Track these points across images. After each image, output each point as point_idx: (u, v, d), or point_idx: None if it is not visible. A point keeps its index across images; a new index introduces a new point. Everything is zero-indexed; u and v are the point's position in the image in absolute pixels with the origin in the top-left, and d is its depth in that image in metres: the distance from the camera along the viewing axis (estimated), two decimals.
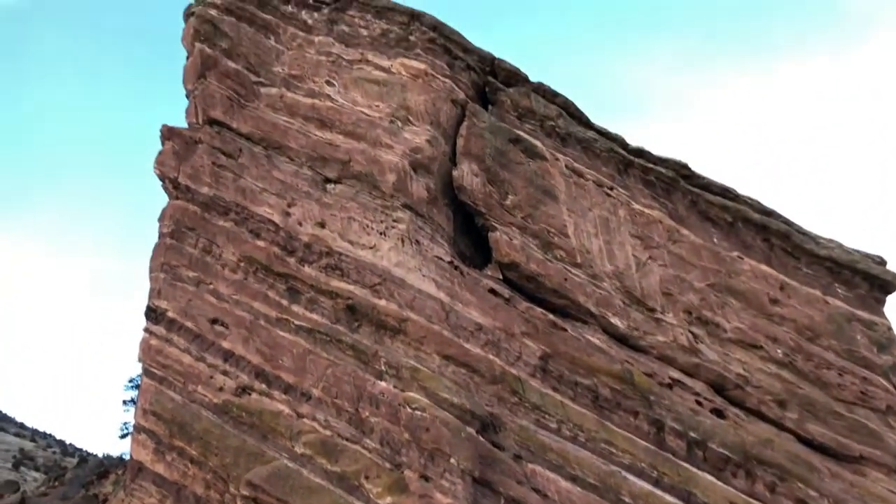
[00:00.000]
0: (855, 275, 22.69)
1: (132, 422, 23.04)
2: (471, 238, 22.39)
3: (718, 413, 20.27)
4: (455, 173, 21.92)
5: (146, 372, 20.88)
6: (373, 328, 19.96)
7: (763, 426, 20.33)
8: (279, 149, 21.97)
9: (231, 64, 22.56)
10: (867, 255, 23.21)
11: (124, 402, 37.27)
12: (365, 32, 23.34)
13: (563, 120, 23.35)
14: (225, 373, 19.94)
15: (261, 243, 20.87)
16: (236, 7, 23.21)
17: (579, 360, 19.82)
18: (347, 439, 18.64)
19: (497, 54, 24.32)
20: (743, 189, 23.90)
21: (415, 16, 23.14)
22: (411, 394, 18.50)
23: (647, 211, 22.55)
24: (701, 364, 20.90)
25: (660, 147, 33.04)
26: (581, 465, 18.39)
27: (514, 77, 24.05)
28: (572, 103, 24.06)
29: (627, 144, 23.70)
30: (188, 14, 23.84)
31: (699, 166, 23.93)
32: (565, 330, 20.29)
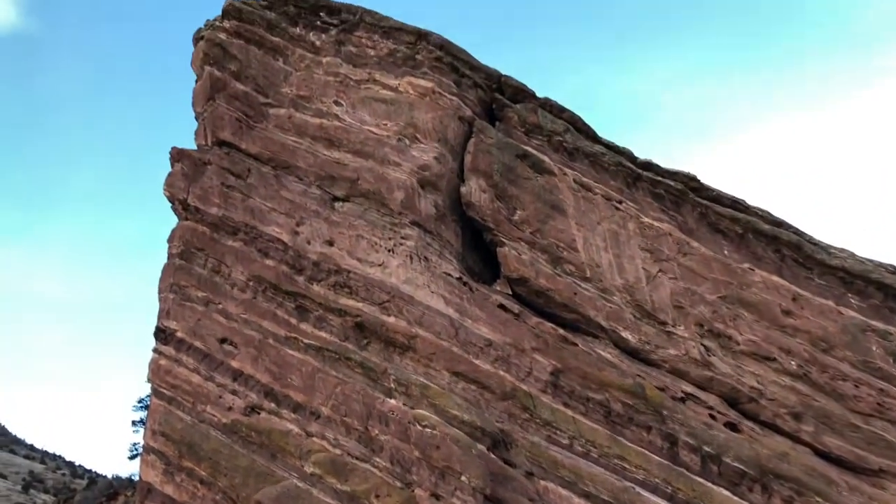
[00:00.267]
0: (868, 284, 22.43)
1: (141, 442, 23.03)
2: (479, 254, 22.37)
3: (733, 427, 20.00)
4: (463, 190, 21.96)
5: (155, 392, 20.89)
6: (382, 345, 19.90)
7: (778, 439, 20.03)
8: (287, 168, 22.11)
9: (240, 86, 22.80)
10: (880, 265, 22.95)
11: (134, 423, 37.38)
12: (372, 52, 23.55)
13: (570, 135, 23.38)
14: (234, 392, 19.92)
15: (269, 262, 20.93)
16: (245, 30, 23.51)
17: (591, 374, 19.65)
18: (357, 458, 18.51)
19: (503, 71, 24.48)
20: (753, 200, 23.80)
21: (422, 35, 23.34)
22: (421, 411, 18.38)
23: (656, 224, 22.46)
24: (714, 377, 20.67)
25: (671, 161, 32.92)
26: (594, 482, 18.15)
27: (520, 93, 24.16)
28: (579, 118, 24.11)
29: (635, 158, 23.68)
30: (198, 38, 24.17)
31: (712, 181, 23.88)
32: (576, 345, 20.15)
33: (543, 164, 22.73)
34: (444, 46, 23.35)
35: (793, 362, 21.11)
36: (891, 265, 23.33)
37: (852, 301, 22.48)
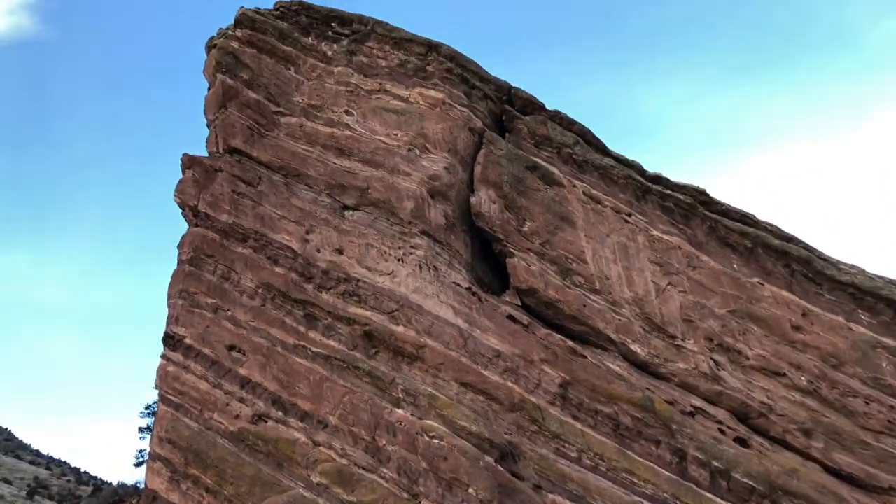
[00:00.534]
0: (879, 301, 22.29)
1: (148, 449, 22.99)
2: (489, 264, 22.35)
3: (742, 442, 19.86)
4: (473, 200, 21.98)
5: (162, 399, 20.89)
6: (390, 355, 19.87)
7: (788, 455, 19.88)
8: (298, 176, 22.18)
9: (251, 94, 22.92)
10: (891, 281, 22.81)
11: (140, 430, 37.31)
12: (383, 63, 23.67)
13: (580, 147, 23.40)
14: (241, 400, 19.90)
15: (279, 270, 20.96)
16: (257, 39, 23.67)
17: (599, 387, 19.56)
18: (364, 468, 18.44)
19: (514, 83, 24.55)
20: (763, 215, 23.75)
21: (432, 46, 23.45)
22: (429, 422, 18.32)
23: (665, 237, 22.41)
24: (723, 392, 20.55)
25: (677, 174, 32.91)
26: (602, 496, 18.03)
27: (530, 105, 24.21)
28: (589, 130, 24.14)
29: (645, 171, 23.67)
30: (210, 46, 24.35)
31: (720, 195, 23.82)
32: (585, 357, 20.08)
33: (553, 175, 22.75)
34: (455, 58, 23.46)
35: (803, 378, 20.97)
36: None
37: (862, 317, 22.33)
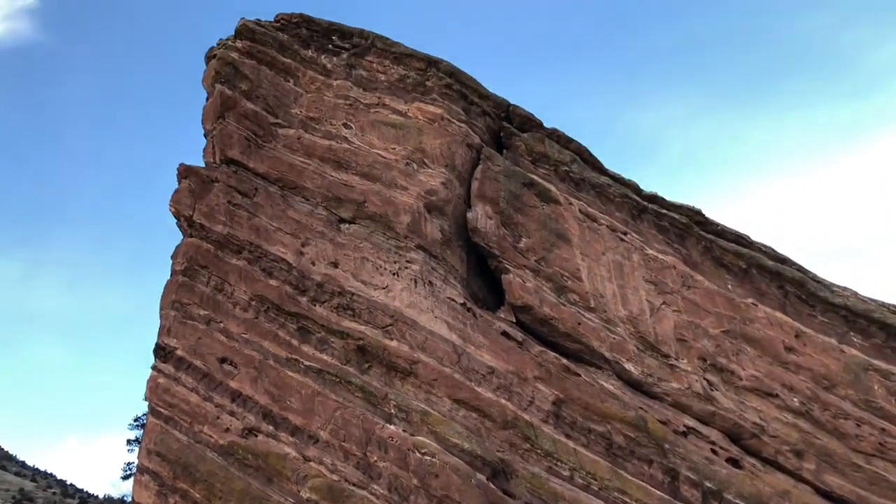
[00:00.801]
0: (871, 324, 22.43)
1: (136, 462, 22.71)
2: (484, 280, 22.34)
3: (734, 462, 19.84)
4: (469, 215, 22.01)
5: (152, 411, 20.64)
6: (383, 370, 19.75)
7: (780, 477, 19.86)
8: (295, 189, 22.14)
9: (250, 105, 22.93)
10: (883, 304, 22.99)
11: (129, 442, 36.95)
12: (383, 77, 23.76)
13: (577, 165, 23.53)
14: (232, 413, 19.69)
15: (273, 282, 20.84)
16: (257, 51, 23.72)
17: (593, 406, 19.51)
18: (355, 484, 18.25)
19: (512, 101, 24.71)
20: (757, 236, 23.91)
21: (432, 62, 23.57)
22: (421, 438, 18.19)
23: (660, 256, 22.50)
24: (716, 412, 20.55)
25: (673, 195, 33.15)
26: None
27: (528, 122, 24.36)
28: (586, 149, 24.30)
29: (641, 190, 23.83)
30: (210, 56, 24.38)
31: (714, 214, 24.00)
32: (578, 375, 20.04)
33: (550, 192, 22.83)
34: (454, 74, 23.58)
35: (795, 399, 21.01)
36: (893, 305, 23.36)
37: (855, 340, 22.46)
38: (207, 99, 24.02)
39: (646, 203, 23.49)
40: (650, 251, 22.60)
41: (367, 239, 21.33)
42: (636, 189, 23.83)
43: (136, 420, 37.07)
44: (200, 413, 19.83)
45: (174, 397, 20.16)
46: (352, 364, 19.82)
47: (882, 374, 21.99)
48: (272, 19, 24.94)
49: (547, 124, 24.47)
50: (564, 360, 20.30)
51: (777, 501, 18.86)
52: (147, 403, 20.93)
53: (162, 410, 20.18)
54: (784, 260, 23.42)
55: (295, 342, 20.23)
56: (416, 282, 20.57)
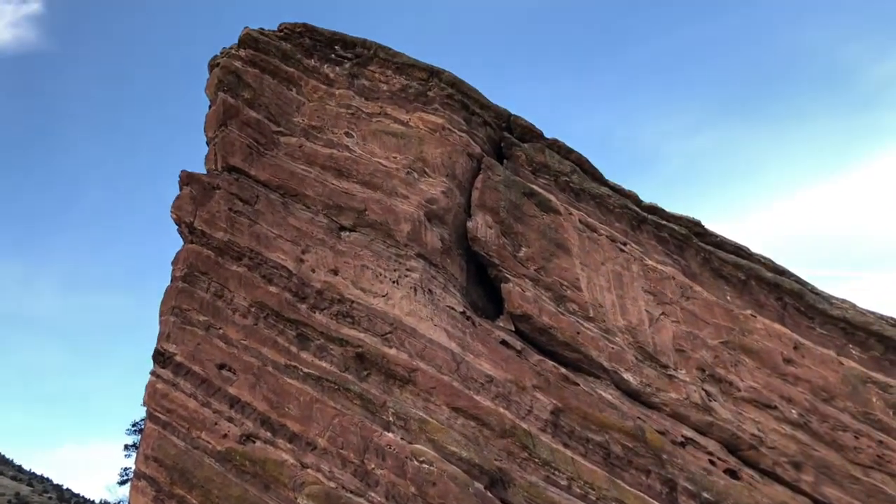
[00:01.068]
0: (869, 336, 22.45)
1: (133, 468, 22.70)
2: (483, 289, 22.40)
3: (732, 474, 19.81)
4: (469, 224, 22.10)
5: (150, 416, 20.67)
6: (382, 377, 19.78)
7: (778, 489, 19.83)
8: (296, 196, 22.25)
9: (252, 113, 23.08)
10: (881, 317, 23.01)
11: (126, 447, 36.88)
12: (385, 87, 23.92)
13: (577, 175, 23.64)
14: (230, 419, 19.71)
15: (273, 289, 20.92)
16: (260, 59, 23.89)
17: (591, 415, 19.52)
18: (352, 492, 18.24)
19: (512, 111, 24.85)
20: (756, 248, 23.98)
21: (434, 72, 23.74)
22: (419, 446, 18.19)
23: (660, 267, 22.57)
24: (714, 423, 20.55)
25: (673, 206, 33.27)
26: None
27: (529, 133, 24.49)
28: (586, 160, 24.41)
29: (641, 201, 23.92)
30: (213, 65, 24.55)
31: (713, 226, 24.08)
32: (577, 384, 20.06)
33: (550, 202, 22.93)
34: (456, 84, 23.74)
35: (793, 411, 21.01)
36: (891, 318, 23.38)
37: (853, 352, 22.48)
38: (210, 107, 24.18)
39: (645, 214, 23.59)
40: (649, 262, 22.68)
41: (367, 247, 21.42)
42: (636, 200, 23.93)
43: (133, 425, 37.02)
44: (198, 419, 19.86)
45: (172, 403, 20.19)
46: (350, 371, 19.85)
47: (880, 387, 22.00)
48: (275, 28, 25.12)
49: (547, 135, 24.60)
50: (563, 370, 20.33)
51: None
52: (145, 409, 20.98)
53: (160, 416, 20.20)
54: (783, 272, 23.48)
55: (294, 349, 20.28)
56: (415, 290, 20.64)
